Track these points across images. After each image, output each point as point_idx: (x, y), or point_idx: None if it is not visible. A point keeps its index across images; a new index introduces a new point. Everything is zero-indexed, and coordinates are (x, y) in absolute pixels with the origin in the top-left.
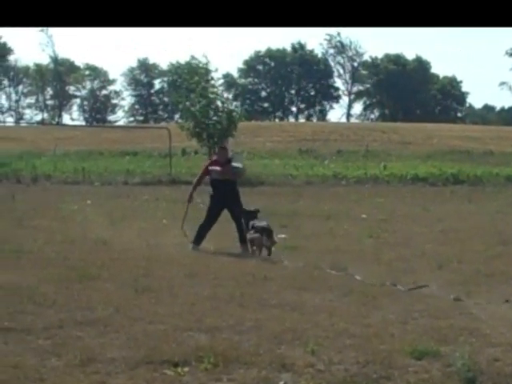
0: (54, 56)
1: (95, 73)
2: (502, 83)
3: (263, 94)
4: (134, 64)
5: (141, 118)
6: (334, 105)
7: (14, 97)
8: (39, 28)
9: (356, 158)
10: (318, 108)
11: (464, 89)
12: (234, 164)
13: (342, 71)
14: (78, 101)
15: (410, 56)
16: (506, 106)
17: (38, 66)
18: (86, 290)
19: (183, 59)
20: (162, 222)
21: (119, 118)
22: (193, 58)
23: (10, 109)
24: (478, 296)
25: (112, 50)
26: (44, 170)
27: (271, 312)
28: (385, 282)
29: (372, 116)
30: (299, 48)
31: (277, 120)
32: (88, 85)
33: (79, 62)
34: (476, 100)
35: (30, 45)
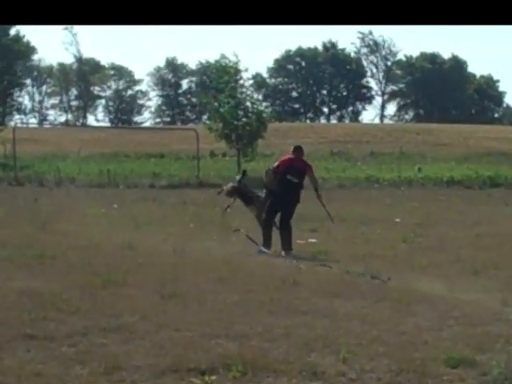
0: (79, 55)
1: (120, 73)
2: None
3: (294, 94)
4: (162, 63)
5: (168, 120)
6: (367, 105)
7: (37, 97)
8: (63, 26)
9: (390, 161)
10: (350, 109)
11: (501, 88)
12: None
13: (375, 71)
14: (102, 101)
15: (446, 55)
16: None
17: (62, 66)
18: (111, 296)
19: (212, 58)
20: (190, 226)
21: (145, 119)
22: (223, 56)
23: (33, 110)
24: None
25: (138, 50)
26: (68, 172)
27: (301, 319)
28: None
29: (406, 117)
30: (331, 47)
31: (308, 121)
32: (113, 85)
33: (104, 61)
34: None
35: (54, 44)
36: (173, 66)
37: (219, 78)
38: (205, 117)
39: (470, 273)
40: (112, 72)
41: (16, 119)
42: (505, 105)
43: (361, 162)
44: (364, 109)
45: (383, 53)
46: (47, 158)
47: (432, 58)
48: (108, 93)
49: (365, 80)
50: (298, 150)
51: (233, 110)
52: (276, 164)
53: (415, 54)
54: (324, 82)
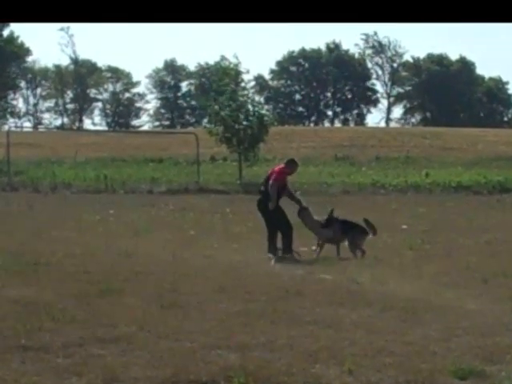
0: (75, 57)
1: (117, 75)
2: None
3: (297, 96)
4: (160, 65)
5: (167, 123)
6: (372, 108)
7: (31, 100)
8: (59, 27)
9: (396, 165)
10: (355, 112)
11: (511, 91)
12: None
13: (380, 72)
14: (99, 104)
15: (453, 56)
16: None
17: (58, 68)
18: (108, 305)
19: (213, 60)
20: (189, 233)
21: (144, 122)
22: (223, 58)
23: (27, 113)
24: None
25: (136, 51)
26: (64, 177)
27: (305, 329)
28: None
29: (413, 120)
30: (335, 48)
31: (311, 124)
32: (110, 87)
33: (101, 63)
34: None
35: (49, 45)
36: (172, 67)
37: (219, 80)
38: (205, 120)
39: (480, 281)
40: (109, 74)
41: (10, 123)
42: None
43: (366, 166)
44: (369, 112)
45: (389, 54)
46: (42, 163)
47: (439, 60)
48: (105, 95)
49: (370, 82)
50: (286, 162)
51: (234, 113)
52: None
53: (422, 55)
54: (328, 84)
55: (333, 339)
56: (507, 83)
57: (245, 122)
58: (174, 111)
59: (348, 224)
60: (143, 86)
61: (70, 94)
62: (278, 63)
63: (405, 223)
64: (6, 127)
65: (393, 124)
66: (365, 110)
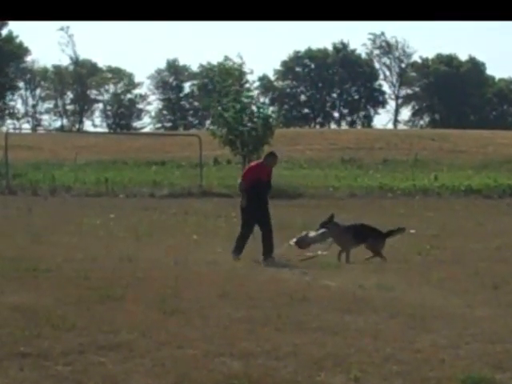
0: (75, 57)
1: (119, 75)
2: None
3: (302, 98)
4: (162, 66)
5: (169, 125)
6: (380, 110)
7: (30, 101)
8: (59, 26)
9: (404, 168)
10: (362, 113)
11: None
12: None
13: (388, 73)
14: (100, 106)
15: (463, 56)
16: None
17: (57, 68)
18: (109, 311)
19: (216, 60)
20: (192, 237)
21: (145, 124)
22: (226, 58)
23: (26, 114)
24: None
25: (137, 51)
26: (63, 181)
27: (311, 336)
28: None
29: (421, 122)
30: (342, 48)
31: (317, 126)
32: (111, 88)
33: (102, 63)
34: None
35: (49, 45)
36: (174, 68)
37: (223, 80)
38: (208, 122)
39: (489, 287)
40: (110, 75)
41: (8, 124)
42: None
43: (373, 169)
44: (377, 113)
45: (396, 54)
46: (41, 166)
47: (448, 60)
48: (106, 96)
49: (377, 83)
50: (265, 156)
51: (237, 114)
52: None
53: (431, 55)
54: (334, 85)
55: (339, 346)
56: None
57: (249, 124)
58: (177, 113)
59: (360, 229)
60: (145, 86)
61: (69, 95)
62: (284, 63)
63: (413, 228)
64: (4, 129)
65: (401, 126)
66: (372, 112)
